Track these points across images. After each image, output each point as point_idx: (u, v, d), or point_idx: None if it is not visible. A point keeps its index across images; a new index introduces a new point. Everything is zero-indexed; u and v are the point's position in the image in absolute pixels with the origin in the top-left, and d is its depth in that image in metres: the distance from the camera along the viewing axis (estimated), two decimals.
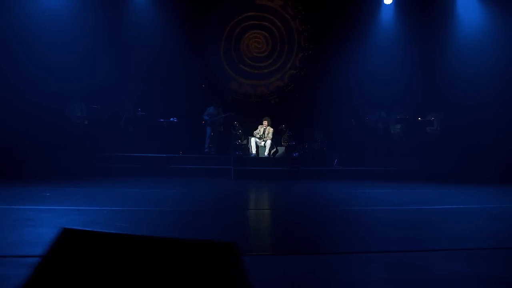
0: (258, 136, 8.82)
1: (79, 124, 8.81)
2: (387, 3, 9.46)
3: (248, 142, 9.16)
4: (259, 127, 9.03)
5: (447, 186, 6.57)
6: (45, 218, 3.08)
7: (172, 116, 9.03)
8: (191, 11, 10.20)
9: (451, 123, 9.52)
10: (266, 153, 8.74)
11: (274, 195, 5.72)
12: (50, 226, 2.66)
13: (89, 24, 8.63)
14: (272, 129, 8.98)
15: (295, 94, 11.20)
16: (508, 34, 7.96)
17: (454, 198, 5.29)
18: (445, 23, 8.91)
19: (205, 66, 10.80)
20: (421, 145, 9.72)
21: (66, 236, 0.98)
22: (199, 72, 10.54)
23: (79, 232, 0.99)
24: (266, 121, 8.98)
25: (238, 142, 8.49)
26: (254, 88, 11.37)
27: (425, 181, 7.33)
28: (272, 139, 8.81)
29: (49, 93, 8.05)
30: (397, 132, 10.34)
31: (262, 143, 8.81)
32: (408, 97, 9.57)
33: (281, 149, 9.22)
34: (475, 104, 8.42)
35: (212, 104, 9.50)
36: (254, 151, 8.75)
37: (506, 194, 5.79)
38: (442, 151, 9.12)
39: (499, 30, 8.05)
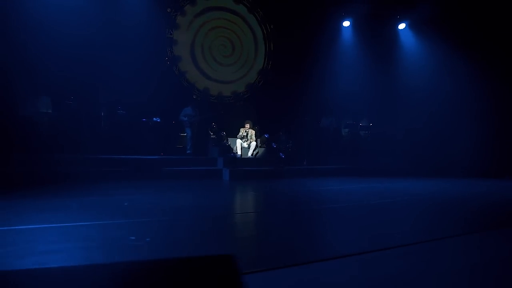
0: (244, 140, 9.24)
1: (44, 121, 7.75)
2: (345, 26, 11.06)
3: (227, 142, 9.47)
4: (241, 129, 9.44)
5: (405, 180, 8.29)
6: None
7: (154, 116, 8.70)
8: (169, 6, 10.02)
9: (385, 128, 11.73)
10: (249, 154, 9.25)
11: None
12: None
13: (70, 17, 7.77)
14: (253, 131, 9.52)
15: (251, 101, 11.86)
16: (435, 55, 10.43)
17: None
18: (391, 45, 10.99)
19: (175, 61, 10.62)
20: (362, 146, 11.71)
21: None
22: (172, 70, 10.32)
23: None
24: (248, 124, 9.46)
25: (228, 143, 8.77)
26: (213, 89, 11.59)
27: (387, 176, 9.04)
28: (256, 141, 9.36)
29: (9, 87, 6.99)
30: (346, 134, 12.14)
31: (246, 144, 9.27)
32: (358, 105, 11.37)
33: (260, 150, 9.83)
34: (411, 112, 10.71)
35: (189, 105, 9.48)
36: (239, 152, 9.15)
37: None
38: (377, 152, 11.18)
39: (429, 54, 10.49)
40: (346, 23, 11.16)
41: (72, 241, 2.48)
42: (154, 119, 8.72)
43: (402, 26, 11.18)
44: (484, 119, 9.22)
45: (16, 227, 2.83)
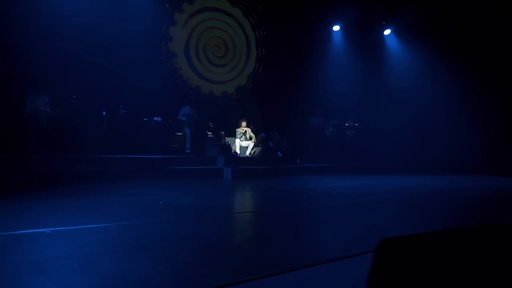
0: (243, 139, 9.48)
1: (43, 120, 7.62)
2: (335, 30, 11.61)
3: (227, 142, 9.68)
4: (238, 130, 9.65)
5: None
6: None
7: (155, 115, 8.76)
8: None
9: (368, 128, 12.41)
10: (247, 153, 9.52)
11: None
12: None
13: (70, 14, 7.72)
14: (249, 129, 9.76)
15: (242, 102, 12.08)
16: (418, 59, 11.23)
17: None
18: (378, 49, 11.68)
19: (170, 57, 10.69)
20: (349, 145, 12.33)
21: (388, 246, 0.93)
22: (167, 67, 10.39)
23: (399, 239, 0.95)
24: (244, 123, 9.70)
25: (228, 143, 9.00)
26: (204, 88, 11.67)
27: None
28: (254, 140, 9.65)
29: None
30: (329, 134, 12.70)
31: (245, 143, 9.52)
32: (346, 106, 11.94)
33: (257, 149, 10.11)
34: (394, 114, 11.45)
35: (188, 104, 9.62)
36: (238, 151, 9.39)
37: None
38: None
39: (413, 58, 11.30)
40: (336, 28, 11.70)
41: (155, 237, 2.70)
42: (155, 118, 8.78)
43: (387, 32, 11.90)
44: (465, 119, 10.08)
45: (88, 226, 2.98)
